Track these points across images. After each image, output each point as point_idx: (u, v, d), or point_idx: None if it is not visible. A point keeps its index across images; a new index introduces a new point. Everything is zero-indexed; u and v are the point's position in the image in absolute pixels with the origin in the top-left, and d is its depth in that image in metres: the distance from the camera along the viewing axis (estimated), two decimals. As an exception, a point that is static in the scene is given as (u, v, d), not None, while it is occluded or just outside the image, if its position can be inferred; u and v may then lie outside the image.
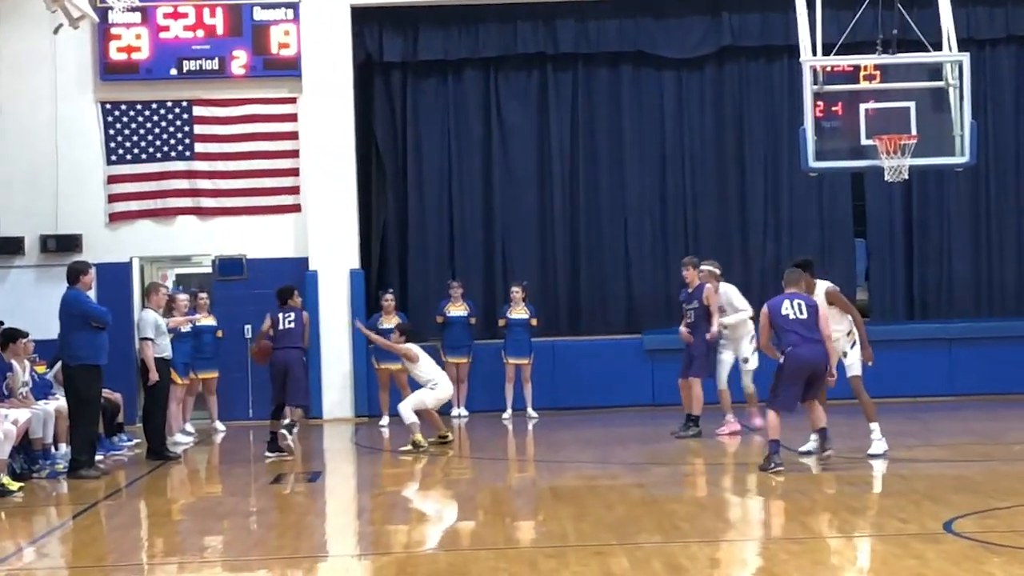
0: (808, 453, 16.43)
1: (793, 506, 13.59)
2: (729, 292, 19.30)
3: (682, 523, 12.94)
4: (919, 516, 12.21)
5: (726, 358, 19.27)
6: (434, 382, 18.80)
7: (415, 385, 19.36)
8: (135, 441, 19.22)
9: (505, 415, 22.43)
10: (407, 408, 18.60)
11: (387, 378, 22.12)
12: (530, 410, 22.50)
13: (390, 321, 22.15)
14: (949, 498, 13.07)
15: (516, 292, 22.80)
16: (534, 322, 22.77)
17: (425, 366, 18.94)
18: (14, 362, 17.39)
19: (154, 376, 18.31)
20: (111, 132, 23.64)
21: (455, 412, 22.58)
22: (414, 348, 18.97)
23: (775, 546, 11.75)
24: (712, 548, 11.71)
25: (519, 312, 22.74)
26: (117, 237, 23.62)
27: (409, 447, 18.19)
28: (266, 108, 23.85)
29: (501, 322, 22.86)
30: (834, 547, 11.07)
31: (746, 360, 19.29)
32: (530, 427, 21.68)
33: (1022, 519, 12.07)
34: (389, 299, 22.39)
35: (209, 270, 23.91)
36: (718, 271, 19.52)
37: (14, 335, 17.68)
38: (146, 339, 18.42)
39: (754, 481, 15.43)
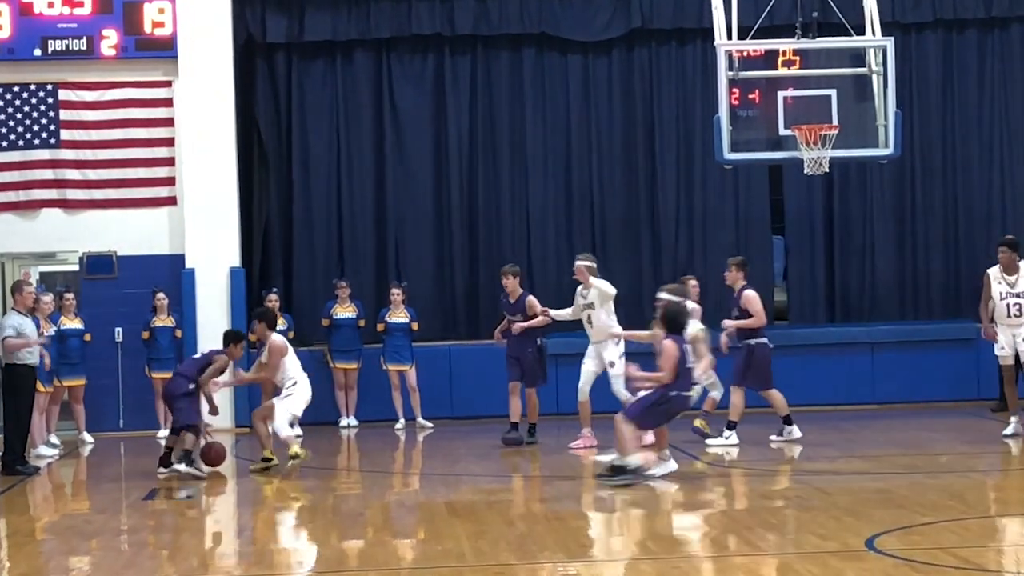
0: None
1: (707, 522, 13.69)
2: (601, 285, 19.30)
3: (588, 541, 13.00)
4: (840, 532, 12.33)
5: (590, 367, 19.18)
6: (295, 381, 18.21)
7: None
8: (-4, 454, 19.01)
9: (398, 425, 22.41)
10: (283, 424, 18.08)
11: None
12: (420, 419, 22.48)
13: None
14: (871, 513, 13.21)
15: (396, 294, 22.79)
16: (415, 326, 22.77)
17: (291, 362, 18.36)
18: None
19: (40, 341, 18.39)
20: (-31, 117, 23.41)
21: (344, 422, 22.56)
22: (279, 340, 18.53)
23: (687, 564, 11.82)
24: (620, 567, 11.77)
25: (399, 316, 22.73)
26: (-25, 231, 23.38)
27: (289, 462, 18.03)
28: (139, 92, 23.64)
29: (380, 327, 22.79)
30: (750, 566, 11.15)
31: (612, 364, 19.05)
32: (420, 438, 21.66)
33: (947, 535, 12.22)
34: (273, 299, 22.27)
35: (76, 268, 23.68)
36: (594, 264, 19.54)
37: None
38: (5, 339, 18.17)
39: (665, 496, 15.52)
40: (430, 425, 22.36)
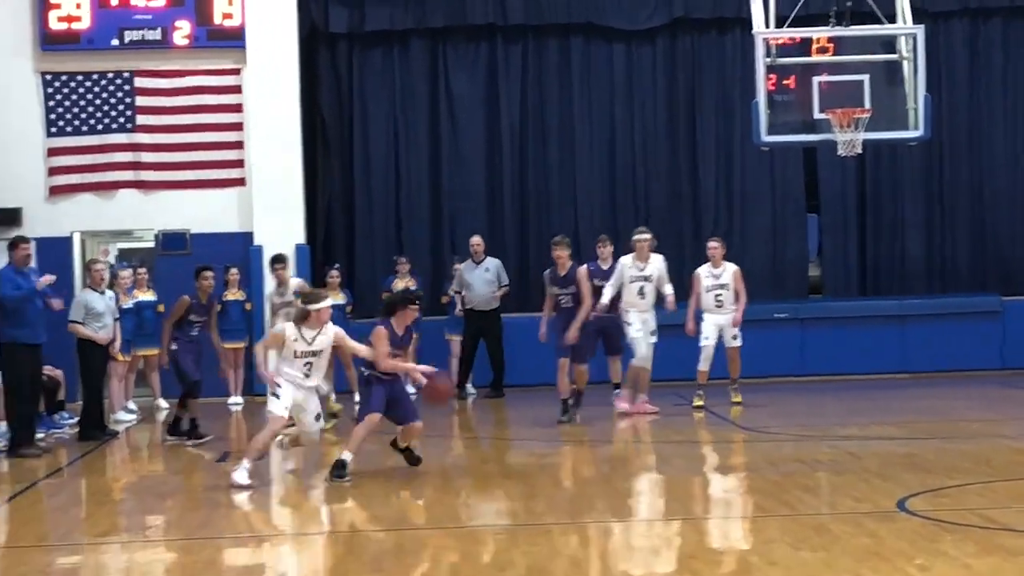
0: None
1: (745, 485, 13.66)
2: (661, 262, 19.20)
3: (633, 502, 12.99)
4: (872, 494, 12.28)
5: (650, 338, 19.01)
6: None
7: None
8: (76, 419, 19.07)
9: (453, 392, 22.43)
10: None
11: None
12: (468, 386, 22.49)
13: (336, 298, 22.10)
14: (901, 476, 13.15)
15: (457, 269, 22.80)
16: None
17: None
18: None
19: (103, 339, 18.25)
20: (51, 103, 23.46)
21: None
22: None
23: (728, 524, 11.81)
24: (664, 527, 11.76)
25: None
26: (57, 211, 23.46)
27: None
28: (209, 80, 23.72)
29: (444, 298, 22.83)
30: (786, 526, 11.11)
31: (654, 332, 19.04)
32: (470, 403, 21.71)
33: (974, 497, 12.15)
34: (335, 275, 22.27)
35: (152, 245, 23.79)
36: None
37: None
38: (71, 322, 18.19)
39: (706, 460, 15.51)
40: (473, 391, 22.35)
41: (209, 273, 18.22)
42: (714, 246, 19.66)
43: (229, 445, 17.33)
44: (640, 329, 18.83)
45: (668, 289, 18.83)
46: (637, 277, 18.85)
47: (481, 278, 22.43)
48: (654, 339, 18.97)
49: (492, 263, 22.61)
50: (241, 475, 13.71)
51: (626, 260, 18.94)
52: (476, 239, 22.63)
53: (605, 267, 18.96)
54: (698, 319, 19.47)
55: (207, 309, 18.20)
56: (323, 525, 12.49)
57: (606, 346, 18.98)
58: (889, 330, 23.52)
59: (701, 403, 19.21)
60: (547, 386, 20.64)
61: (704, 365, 19.43)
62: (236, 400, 21.83)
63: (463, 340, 22.46)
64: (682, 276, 22.91)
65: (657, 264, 18.95)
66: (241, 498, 13.36)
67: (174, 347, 17.83)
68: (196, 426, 17.62)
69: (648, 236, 19.05)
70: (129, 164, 23.64)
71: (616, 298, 18.75)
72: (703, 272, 19.58)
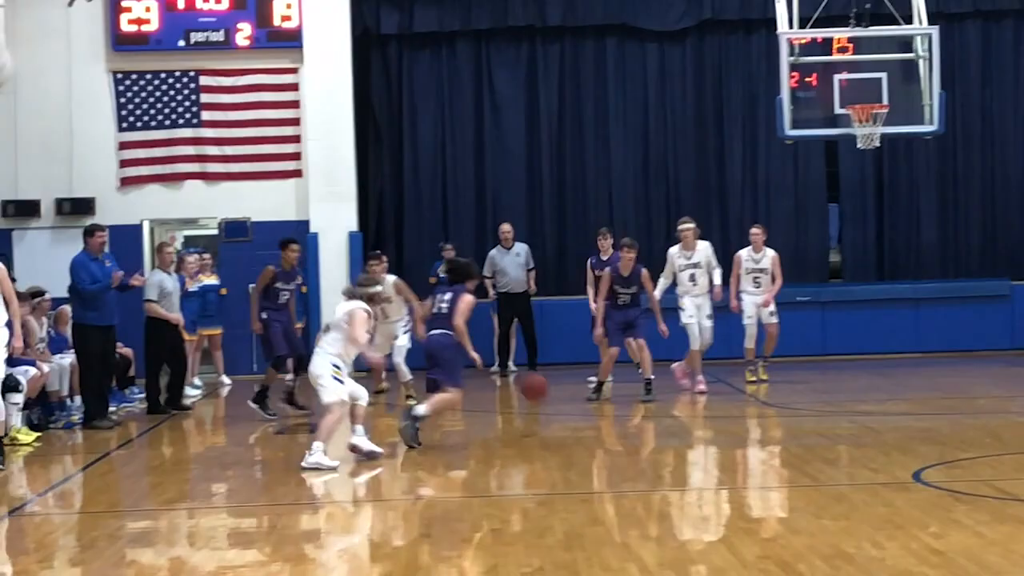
0: None
1: (772, 457, 13.62)
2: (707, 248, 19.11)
3: (666, 473, 12.96)
4: (889, 466, 12.23)
5: (705, 322, 18.84)
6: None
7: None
8: (146, 394, 19.11)
9: (493, 369, 22.38)
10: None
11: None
12: (510, 364, 22.50)
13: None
14: (917, 449, 13.09)
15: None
16: None
17: None
18: (31, 319, 17.29)
19: (176, 319, 18.27)
20: (122, 100, 23.55)
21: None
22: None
23: (754, 494, 11.77)
24: (693, 496, 11.73)
25: None
26: (128, 200, 23.56)
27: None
28: (269, 78, 23.76)
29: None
30: (809, 496, 11.08)
31: (710, 316, 18.89)
32: (511, 380, 21.67)
33: (986, 469, 12.09)
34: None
35: (215, 232, 23.87)
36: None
37: (32, 293, 17.64)
38: (147, 300, 18.23)
39: (733, 434, 15.45)
40: (515, 369, 22.34)
41: (295, 245, 18.10)
42: (756, 232, 19.68)
43: (288, 419, 17.33)
44: (693, 315, 18.73)
45: (716, 277, 18.76)
46: (686, 265, 18.82)
47: (513, 262, 22.49)
48: (710, 323, 18.86)
49: (522, 248, 22.65)
50: (323, 458, 13.36)
51: (674, 251, 18.96)
52: (506, 227, 22.70)
53: (604, 258, 19.12)
54: (738, 299, 19.44)
55: (292, 277, 18.04)
56: (375, 494, 12.50)
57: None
58: (905, 312, 23.44)
59: (754, 378, 19.21)
60: (578, 364, 20.69)
61: (750, 342, 19.41)
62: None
63: (499, 322, 22.50)
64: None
65: (704, 251, 18.86)
66: (298, 468, 13.34)
67: (264, 316, 17.73)
68: (265, 396, 17.50)
69: (691, 225, 18.92)
70: (194, 157, 23.72)
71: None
72: (744, 255, 19.54)
